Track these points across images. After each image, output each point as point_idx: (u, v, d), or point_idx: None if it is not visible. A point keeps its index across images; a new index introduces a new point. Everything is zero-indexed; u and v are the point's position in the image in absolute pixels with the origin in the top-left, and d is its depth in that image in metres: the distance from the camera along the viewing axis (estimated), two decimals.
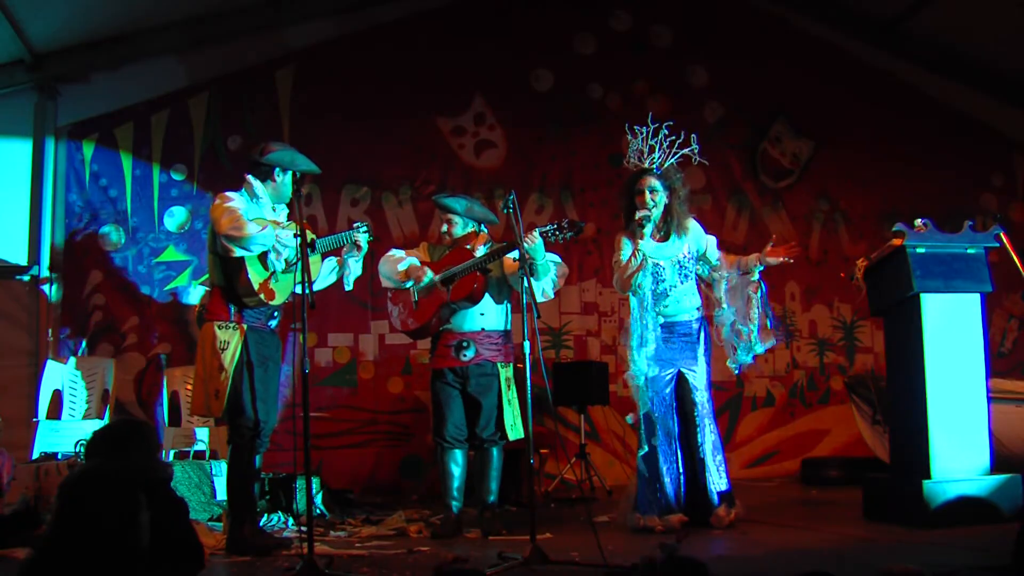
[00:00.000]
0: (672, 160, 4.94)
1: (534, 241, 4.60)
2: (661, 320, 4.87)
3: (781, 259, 4.82)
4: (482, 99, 8.01)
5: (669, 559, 3.03)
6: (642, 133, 4.93)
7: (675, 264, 4.89)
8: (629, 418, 5.65)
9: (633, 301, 4.90)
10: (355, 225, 4.72)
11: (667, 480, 4.78)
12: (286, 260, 4.36)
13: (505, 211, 4.22)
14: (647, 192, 4.84)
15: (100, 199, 7.19)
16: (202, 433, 6.01)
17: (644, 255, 4.80)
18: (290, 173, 4.46)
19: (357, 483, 6.96)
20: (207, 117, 7.44)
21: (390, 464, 7.33)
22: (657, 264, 4.86)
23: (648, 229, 4.80)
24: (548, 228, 4.65)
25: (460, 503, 4.96)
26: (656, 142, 4.92)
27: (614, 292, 8.00)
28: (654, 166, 4.92)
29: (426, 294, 4.97)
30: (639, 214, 4.79)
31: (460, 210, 5.07)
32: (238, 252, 4.27)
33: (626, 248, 4.86)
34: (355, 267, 4.74)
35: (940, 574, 3.06)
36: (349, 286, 4.82)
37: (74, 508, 2.51)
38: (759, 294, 4.88)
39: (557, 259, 5.01)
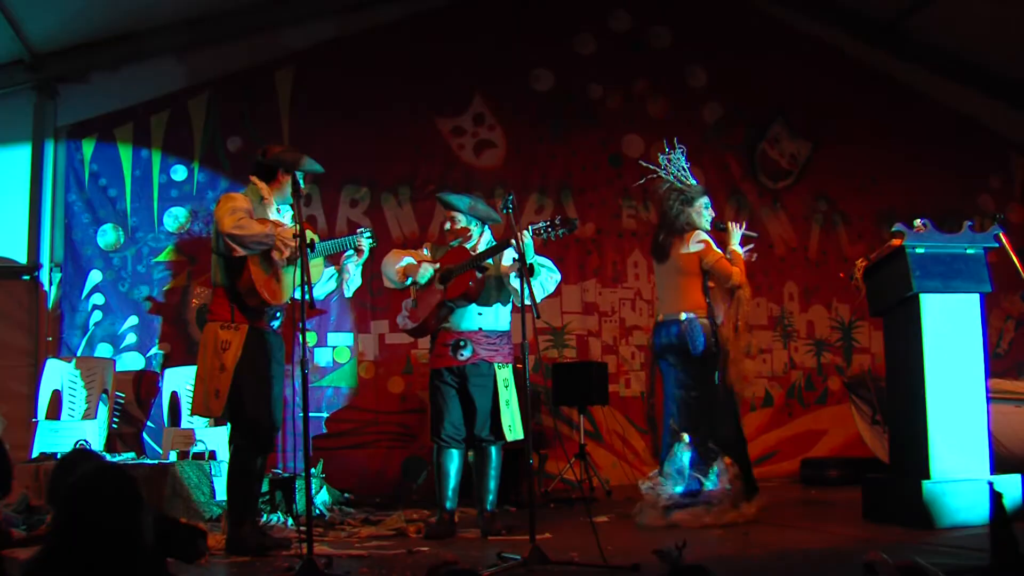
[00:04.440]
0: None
1: (524, 239, 4.61)
2: None
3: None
4: (481, 99, 8.00)
5: (673, 568, 3.01)
6: (680, 151, 5.34)
7: None
8: None
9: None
10: (359, 230, 4.71)
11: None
12: (288, 258, 4.36)
13: (505, 211, 4.23)
14: (711, 208, 5.35)
15: (100, 199, 7.17)
16: (202, 433, 6.01)
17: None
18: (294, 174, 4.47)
19: (357, 484, 6.94)
20: (207, 117, 7.42)
21: (391, 465, 7.31)
22: None
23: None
24: (541, 225, 4.67)
25: (455, 503, 4.97)
26: (687, 166, 5.36)
27: (614, 292, 8.03)
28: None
29: (424, 291, 4.97)
30: (742, 229, 5.33)
31: (463, 208, 5.07)
32: (241, 251, 4.28)
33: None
34: (355, 273, 4.72)
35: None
36: (348, 293, 4.81)
37: (81, 507, 2.51)
38: None
39: (551, 265, 5.00)
